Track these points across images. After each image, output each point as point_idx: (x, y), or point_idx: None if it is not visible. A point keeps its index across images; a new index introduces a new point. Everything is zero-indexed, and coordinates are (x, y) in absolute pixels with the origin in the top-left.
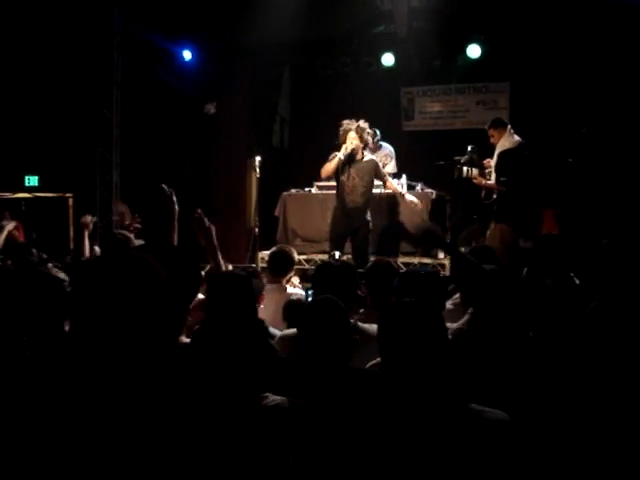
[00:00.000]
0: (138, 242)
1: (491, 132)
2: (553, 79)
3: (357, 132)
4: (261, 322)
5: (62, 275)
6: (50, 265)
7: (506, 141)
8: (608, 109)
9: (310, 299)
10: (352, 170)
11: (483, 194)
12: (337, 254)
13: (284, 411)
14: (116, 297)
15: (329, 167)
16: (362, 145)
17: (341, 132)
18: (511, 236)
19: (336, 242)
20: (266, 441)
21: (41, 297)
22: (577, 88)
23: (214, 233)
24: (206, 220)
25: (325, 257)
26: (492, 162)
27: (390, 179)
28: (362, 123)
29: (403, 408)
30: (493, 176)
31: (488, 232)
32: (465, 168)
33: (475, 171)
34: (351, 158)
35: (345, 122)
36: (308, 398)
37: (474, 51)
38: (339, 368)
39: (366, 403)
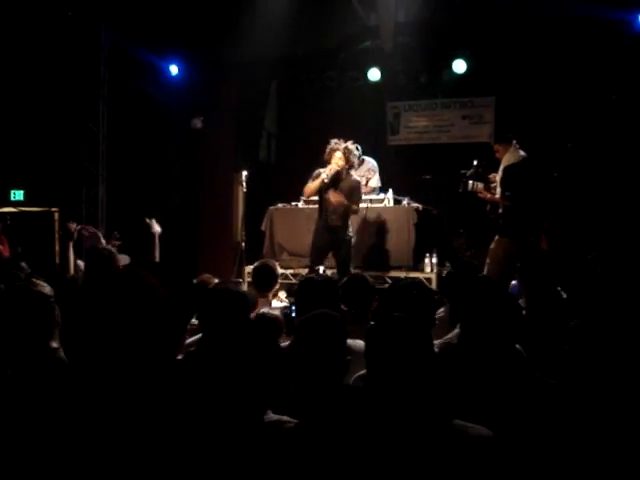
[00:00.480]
0: (122, 257)
1: (496, 147)
2: (538, 94)
3: (344, 153)
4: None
5: (48, 290)
6: (35, 280)
7: (511, 156)
8: (593, 124)
9: (293, 314)
10: (335, 190)
11: (488, 208)
12: (321, 269)
13: (283, 430)
14: (121, 314)
15: (312, 187)
16: (347, 166)
17: (328, 150)
18: (514, 250)
19: (317, 256)
20: (265, 460)
21: (27, 314)
22: (562, 103)
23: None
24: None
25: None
26: (497, 177)
27: (360, 206)
28: (350, 145)
29: (387, 424)
30: (498, 190)
31: (492, 245)
32: (471, 182)
33: (480, 185)
34: (335, 178)
35: (333, 141)
36: (302, 416)
37: (460, 66)
38: (333, 386)
39: (351, 420)
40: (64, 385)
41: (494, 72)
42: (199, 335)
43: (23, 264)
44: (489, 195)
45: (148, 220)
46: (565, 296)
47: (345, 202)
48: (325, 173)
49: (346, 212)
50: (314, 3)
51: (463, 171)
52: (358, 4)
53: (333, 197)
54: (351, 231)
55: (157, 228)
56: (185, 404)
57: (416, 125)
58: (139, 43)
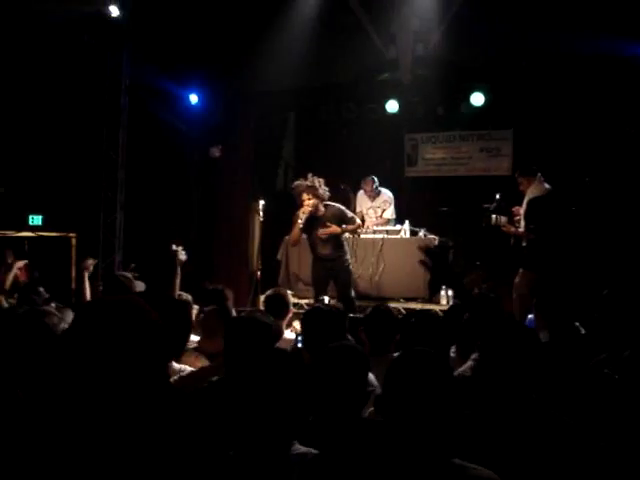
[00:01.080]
0: (139, 284)
1: (520, 180)
2: (556, 127)
3: (308, 192)
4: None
5: (55, 320)
6: (53, 305)
7: (536, 188)
8: (611, 158)
9: (300, 344)
10: (319, 227)
11: (512, 242)
12: (326, 299)
13: (308, 462)
14: (109, 341)
15: (294, 235)
16: (318, 201)
17: (295, 195)
18: (536, 283)
19: (318, 287)
20: None
21: (34, 340)
22: (580, 136)
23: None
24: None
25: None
26: (521, 210)
27: (357, 220)
28: (310, 180)
29: (402, 460)
30: (522, 223)
31: (516, 279)
32: (494, 216)
33: (504, 219)
34: (313, 217)
35: (295, 184)
36: (320, 446)
37: (478, 99)
38: (352, 418)
39: (366, 454)
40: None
41: (512, 105)
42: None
43: (41, 289)
44: (513, 229)
45: (175, 247)
46: (584, 332)
47: (338, 230)
48: (299, 219)
49: (337, 242)
50: (333, 35)
51: (486, 205)
52: (377, 37)
53: (322, 232)
54: (348, 258)
55: (183, 256)
56: (208, 435)
57: (433, 157)
58: (160, 72)
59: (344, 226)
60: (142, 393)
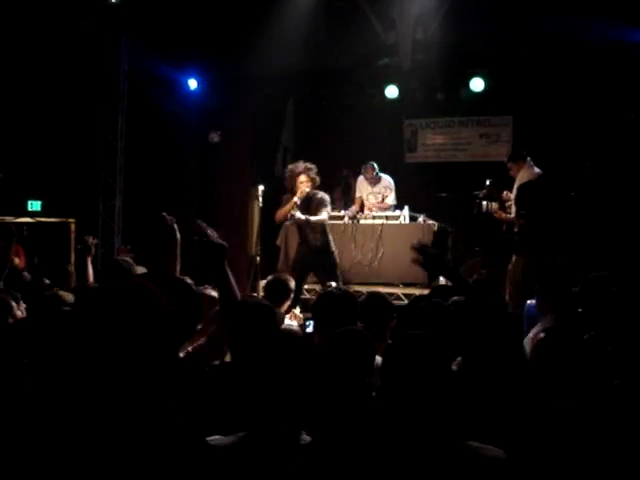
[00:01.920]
0: (140, 269)
1: (510, 165)
2: (556, 113)
3: (306, 174)
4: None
5: (70, 298)
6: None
7: (525, 173)
8: (612, 143)
9: (309, 329)
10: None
11: (504, 228)
12: (333, 284)
13: (313, 451)
14: (119, 327)
15: (283, 211)
16: (312, 185)
17: (288, 177)
18: (530, 268)
19: (300, 276)
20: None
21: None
22: (580, 122)
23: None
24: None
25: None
26: (512, 195)
27: (321, 216)
28: (308, 164)
29: (400, 443)
30: (513, 209)
31: (510, 265)
32: (485, 202)
33: (495, 205)
34: (306, 200)
35: (290, 166)
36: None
37: (477, 84)
38: (357, 404)
39: (365, 438)
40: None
41: (512, 91)
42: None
43: (47, 280)
44: (504, 215)
45: (170, 220)
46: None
47: (298, 216)
48: (297, 197)
49: (323, 230)
50: (333, 20)
51: (476, 192)
52: (377, 21)
53: (289, 220)
54: (333, 246)
55: (178, 235)
56: (213, 421)
57: (433, 143)
58: (159, 57)
59: (309, 217)
60: (154, 379)
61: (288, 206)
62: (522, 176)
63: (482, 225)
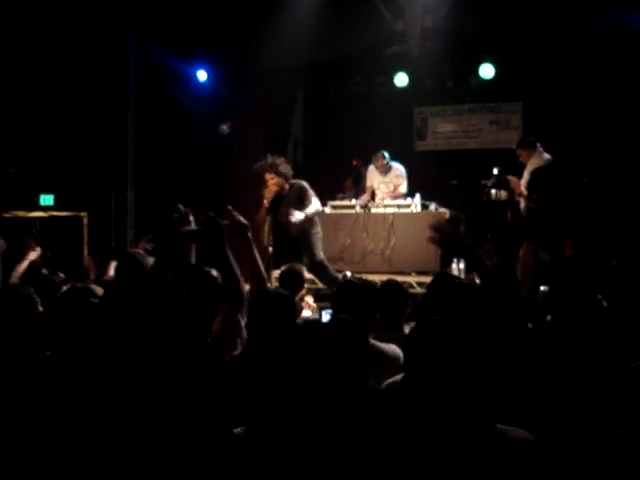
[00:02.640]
0: (151, 260)
1: (519, 152)
2: (566, 99)
3: (270, 171)
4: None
5: (100, 291)
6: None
7: (536, 159)
8: (623, 129)
9: (328, 317)
10: (283, 206)
11: (509, 216)
12: (348, 273)
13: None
14: (139, 319)
15: (261, 215)
16: (282, 180)
17: (258, 176)
18: (543, 255)
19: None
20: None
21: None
22: (591, 108)
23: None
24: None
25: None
26: (523, 180)
27: (312, 204)
28: (271, 159)
29: (427, 429)
30: (525, 193)
31: (521, 251)
32: (493, 191)
33: (504, 193)
34: (278, 197)
35: (255, 165)
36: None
37: (487, 71)
38: (358, 389)
39: (387, 424)
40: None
41: (521, 77)
42: None
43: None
44: (520, 188)
45: (185, 211)
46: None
47: (297, 217)
48: (265, 199)
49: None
50: (341, 9)
51: (484, 181)
52: (385, 9)
53: (284, 217)
54: (319, 230)
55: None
56: (230, 410)
57: (443, 130)
58: (167, 50)
59: (306, 212)
60: (179, 368)
61: (262, 211)
62: (533, 162)
63: (494, 211)
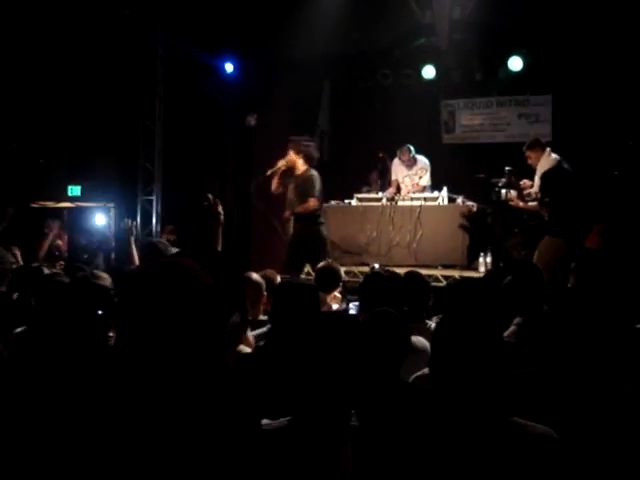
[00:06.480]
0: (175, 250)
1: (528, 154)
2: (596, 91)
3: (291, 147)
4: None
5: (108, 282)
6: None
7: (545, 161)
8: None
9: (353, 310)
10: (290, 184)
11: (526, 216)
12: (377, 265)
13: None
14: (162, 305)
15: (273, 184)
16: (299, 158)
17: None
18: (564, 249)
19: (292, 264)
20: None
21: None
22: (622, 100)
23: None
24: None
25: (365, 269)
26: (530, 183)
27: (313, 201)
28: (296, 137)
29: (455, 423)
30: (538, 196)
31: (540, 245)
32: (503, 191)
33: (513, 193)
34: (289, 172)
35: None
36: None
37: (515, 64)
38: (392, 382)
39: (416, 419)
40: (123, 378)
41: (551, 70)
42: (264, 328)
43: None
44: (522, 203)
45: (215, 201)
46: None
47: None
48: (277, 166)
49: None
50: (368, 1)
51: (494, 180)
52: (413, 1)
53: (288, 215)
54: (323, 228)
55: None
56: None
57: (471, 123)
58: (195, 42)
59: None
60: (204, 358)
61: (275, 182)
62: (542, 164)
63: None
